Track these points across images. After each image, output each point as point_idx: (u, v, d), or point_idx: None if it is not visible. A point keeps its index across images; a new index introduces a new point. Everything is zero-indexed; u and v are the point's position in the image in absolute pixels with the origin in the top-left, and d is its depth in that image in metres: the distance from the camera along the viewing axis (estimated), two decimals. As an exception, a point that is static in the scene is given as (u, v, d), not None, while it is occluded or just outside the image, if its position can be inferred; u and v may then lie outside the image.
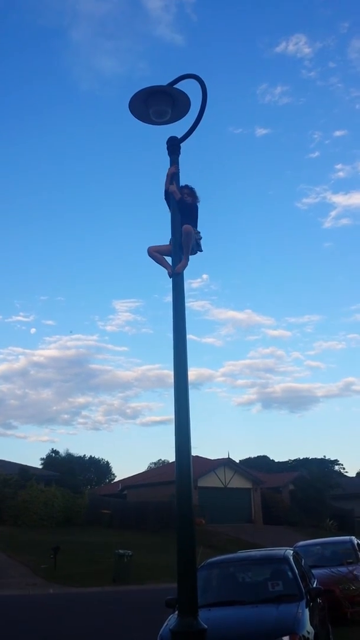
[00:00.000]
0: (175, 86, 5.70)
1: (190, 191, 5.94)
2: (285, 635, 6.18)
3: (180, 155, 5.85)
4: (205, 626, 4.50)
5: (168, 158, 5.90)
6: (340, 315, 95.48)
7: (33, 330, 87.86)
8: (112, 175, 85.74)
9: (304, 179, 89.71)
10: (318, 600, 7.92)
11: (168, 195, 5.84)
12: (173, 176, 5.81)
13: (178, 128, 5.93)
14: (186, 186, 5.98)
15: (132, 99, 5.58)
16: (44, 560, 23.52)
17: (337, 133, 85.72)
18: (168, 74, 5.83)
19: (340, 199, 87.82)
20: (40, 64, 77.53)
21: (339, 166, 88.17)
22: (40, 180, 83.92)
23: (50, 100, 78.81)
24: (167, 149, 5.86)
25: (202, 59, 72.19)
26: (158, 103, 5.59)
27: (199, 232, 5.72)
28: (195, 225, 5.72)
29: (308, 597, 7.28)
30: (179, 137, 5.83)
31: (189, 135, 5.80)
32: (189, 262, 5.56)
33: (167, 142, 5.86)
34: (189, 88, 5.73)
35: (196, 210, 5.86)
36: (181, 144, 5.85)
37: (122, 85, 72.95)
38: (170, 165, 5.86)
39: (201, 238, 5.73)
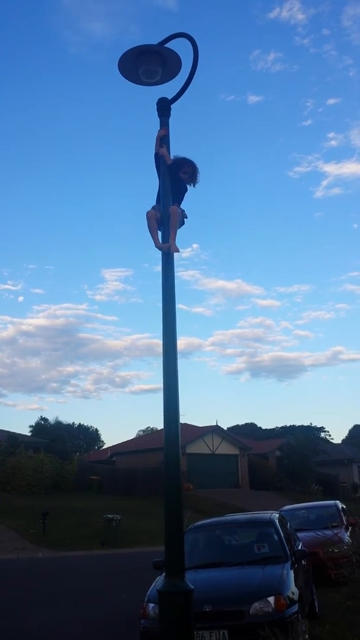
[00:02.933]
0: (165, 46, 5.53)
1: (192, 171, 5.67)
2: (270, 595, 6.32)
3: (170, 118, 5.69)
4: (192, 587, 4.59)
5: (158, 122, 5.74)
6: (330, 285, 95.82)
7: (21, 298, 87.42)
8: (101, 141, 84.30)
9: (296, 148, 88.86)
10: (303, 562, 8.10)
11: (158, 159, 5.70)
12: (163, 139, 5.65)
13: (168, 91, 5.78)
14: (191, 164, 5.67)
15: (121, 59, 5.39)
16: (33, 525, 23.81)
17: (330, 101, 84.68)
18: (159, 38, 5.64)
19: (331, 168, 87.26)
20: (28, 27, 75.22)
21: (331, 135, 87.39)
22: (27, 148, 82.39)
23: (38, 64, 76.94)
24: (157, 110, 5.68)
25: (194, 23, 70.63)
26: (148, 63, 5.40)
27: (184, 211, 5.57)
28: (179, 203, 5.56)
29: (293, 559, 7.44)
30: (169, 99, 5.68)
31: (179, 96, 5.63)
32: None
33: (157, 104, 5.68)
34: (180, 49, 5.57)
35: (185, 190, 5.66)
36: (172, 106, 5.70)
37: (111, 50, 71.26)
38: (160, 127, 5.69)
39: (186, 217, 5.58)
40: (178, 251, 5.37)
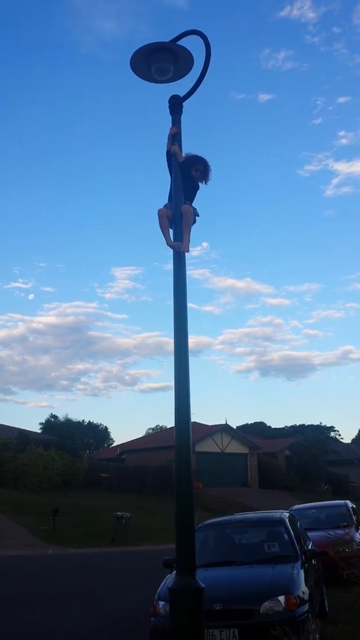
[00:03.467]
0: (177, 43, 5.51)
1: (204, 168, 5.66)
2: (280, 594, 6.29)
3: (182, 115, 5.68)
4: (203, 585, 4.58)
5: (170, 121, 5.71)
6: (340, 284, 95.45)
7: (31, 296, 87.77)
8: (112, 139, 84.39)
9: (306, 146, 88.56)
10: (313, 561, 8.07)
11: (170, 157, 5.68)
12: (175, 136, 5.63)
13: (179, 90, 5.76)
14: (202, 162, 5.66)
15: (133, 56, 5.38)
16: (44, 522, 23.92)
17: (341, 99, 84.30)
18: (169, 37, 5.63)
19: (342, 167, 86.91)
20: (40, 27, 75.42)
21: (341, 133, 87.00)
22: (39, 145, 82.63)
23: (49, 63, 77.06)
24: (169, 108, 5.67)
25: (205, 22, 70.62)
26: (160, 60, 5.39)
27: (196, 209, 5.55)
28: (191, 201, 5.56)
29: (303, 558, 7.41)
30: (181, 96, 5.67)
31: (192, 94, 5.61)
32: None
33: (169, 101, 5.67)
34: (192, 47, 5.55)
35: (197, 188, 5.65)
36: (183, 104, 5.69)
37: (122, 49, 71.24)
38: (172, 125, 5.67)
39: (198, 215, 5.57)
40: (188, 251, 5.36)
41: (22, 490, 32.24)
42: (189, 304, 5.27)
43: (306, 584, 6.83)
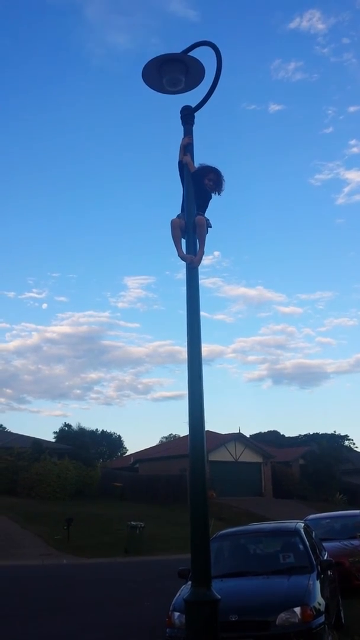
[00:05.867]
0: (188, 55, 5.55)
1: (217, 178, 5.60)
2: (296, 606, 6.24)
3: (194, 126, 5.70)
4: (219, 596, 4.55)
5: (182, 132, 5.72)
6: (352, 292, 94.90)
7: (45, 306, 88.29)
8: (123, 150, 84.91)
9: (317, 155, 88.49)
10: (328, 572, 7.99)
11: (182, 167, 5.68)
12: (187, 147, 5.64)
13: (190, 100, 5.78)
14: (215, 172, 5.61)
15: (145, 67, 5.42)
16: (58, 532, 23.91)
17: (352, 109, 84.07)
18: (180, 49, 5.66)
19: (353, 175, 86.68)
20: (53, 40, 76.30)
21: (352, 142, 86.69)
22: (51, 156, 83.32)
23: (62, 76, 77.87)
24: (181, 118, 5.69)
25: (216, 34, 70.47)
26: (172, 71, 5.43)
27: (209, 220, 5.49)
28: (203, 211, 5.52)
29: (319, 569, 7.33)
30: (192, 107, 5.70)
31: (203, 104, 5.63)
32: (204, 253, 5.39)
33: (181, 112, 5.69)
34: (203, 58, 5.58)
35: (209, 199, 5.60)
36: (195, 115, 5.71)
37: (134, 61, 71.84)
38: (184, 135, 5.68)
39: (210, 226, 5.53)
40: (199, 264, 5.33)
41: (36, 499, 32.29)
42: (201, 313, 5.26)
43: (322, 595, 6.76)
